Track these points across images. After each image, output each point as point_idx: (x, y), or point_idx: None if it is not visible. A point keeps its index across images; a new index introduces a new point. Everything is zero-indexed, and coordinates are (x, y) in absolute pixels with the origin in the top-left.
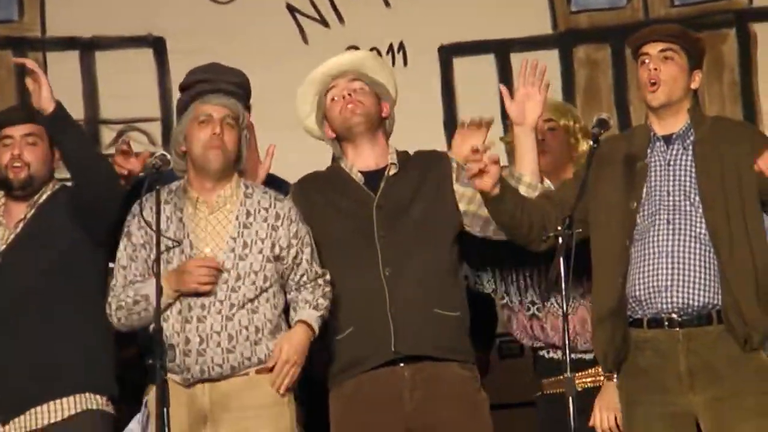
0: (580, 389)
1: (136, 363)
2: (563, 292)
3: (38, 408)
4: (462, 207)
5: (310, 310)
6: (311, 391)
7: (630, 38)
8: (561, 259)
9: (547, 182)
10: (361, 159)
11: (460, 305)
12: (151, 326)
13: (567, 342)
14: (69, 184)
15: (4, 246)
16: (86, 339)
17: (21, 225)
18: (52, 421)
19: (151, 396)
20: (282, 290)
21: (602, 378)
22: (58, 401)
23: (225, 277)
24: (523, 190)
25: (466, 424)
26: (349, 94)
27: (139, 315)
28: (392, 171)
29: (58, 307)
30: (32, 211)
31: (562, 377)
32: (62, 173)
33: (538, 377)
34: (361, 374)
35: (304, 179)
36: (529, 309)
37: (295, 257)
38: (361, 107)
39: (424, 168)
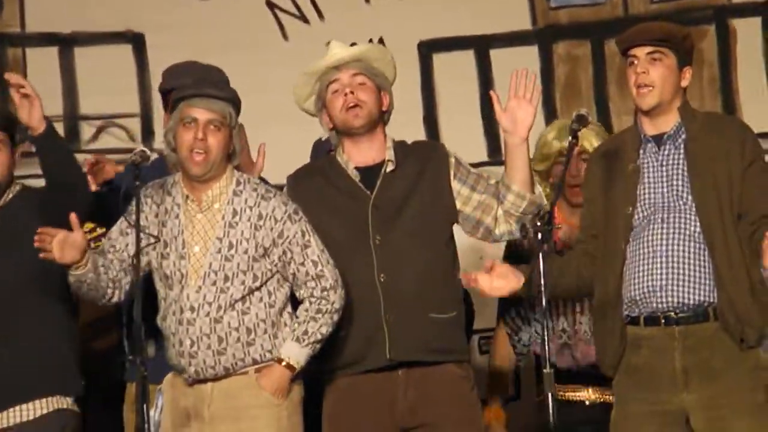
0: (598, 402)
1: (113, 355)
2: (542, 288)
3: (10, 409)
4: (457, 205)
5: (292, 342)
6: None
7: (618, 39)
8: (540, 256)
9: (538, 189)
10: (359, 155)
11: (456, 304)
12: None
13: (546, 336)
14: (27, 183)
15: None
16: (54, 340)
17: None
18: (24, 419)
19: (165, 384)
20: (282, 285)
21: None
22: (30, 403)
23: (213, 278)
24: (511, 198)
25: (458, 423)
26: (352, 92)
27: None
28: (389, 168)
29: (25, 310)
30: None
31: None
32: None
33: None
34: (356, 374)
35: (298, 173)
36: (560, 337)
37: (283, 255)
38: (364, 108)
39: (422, 161)
